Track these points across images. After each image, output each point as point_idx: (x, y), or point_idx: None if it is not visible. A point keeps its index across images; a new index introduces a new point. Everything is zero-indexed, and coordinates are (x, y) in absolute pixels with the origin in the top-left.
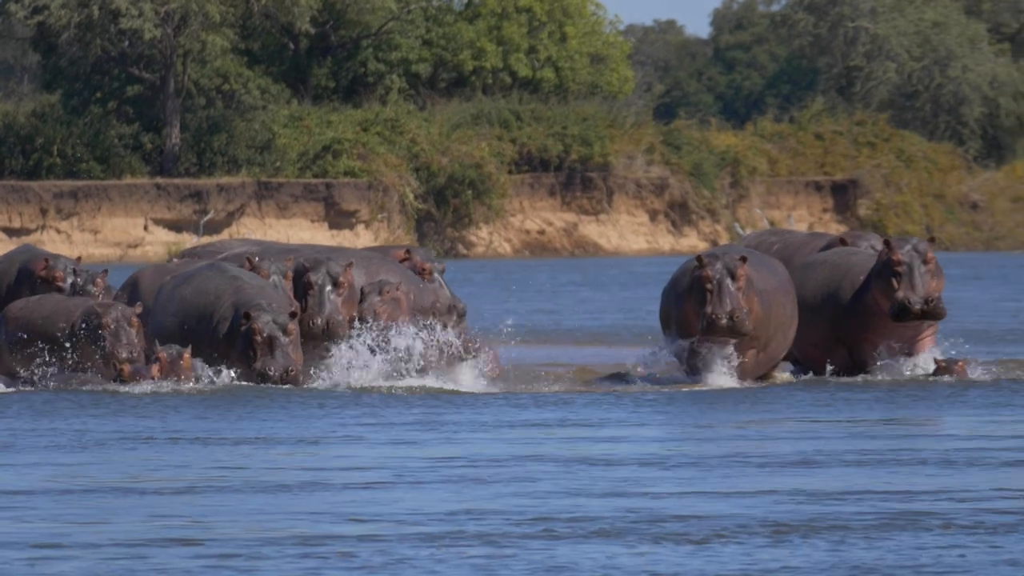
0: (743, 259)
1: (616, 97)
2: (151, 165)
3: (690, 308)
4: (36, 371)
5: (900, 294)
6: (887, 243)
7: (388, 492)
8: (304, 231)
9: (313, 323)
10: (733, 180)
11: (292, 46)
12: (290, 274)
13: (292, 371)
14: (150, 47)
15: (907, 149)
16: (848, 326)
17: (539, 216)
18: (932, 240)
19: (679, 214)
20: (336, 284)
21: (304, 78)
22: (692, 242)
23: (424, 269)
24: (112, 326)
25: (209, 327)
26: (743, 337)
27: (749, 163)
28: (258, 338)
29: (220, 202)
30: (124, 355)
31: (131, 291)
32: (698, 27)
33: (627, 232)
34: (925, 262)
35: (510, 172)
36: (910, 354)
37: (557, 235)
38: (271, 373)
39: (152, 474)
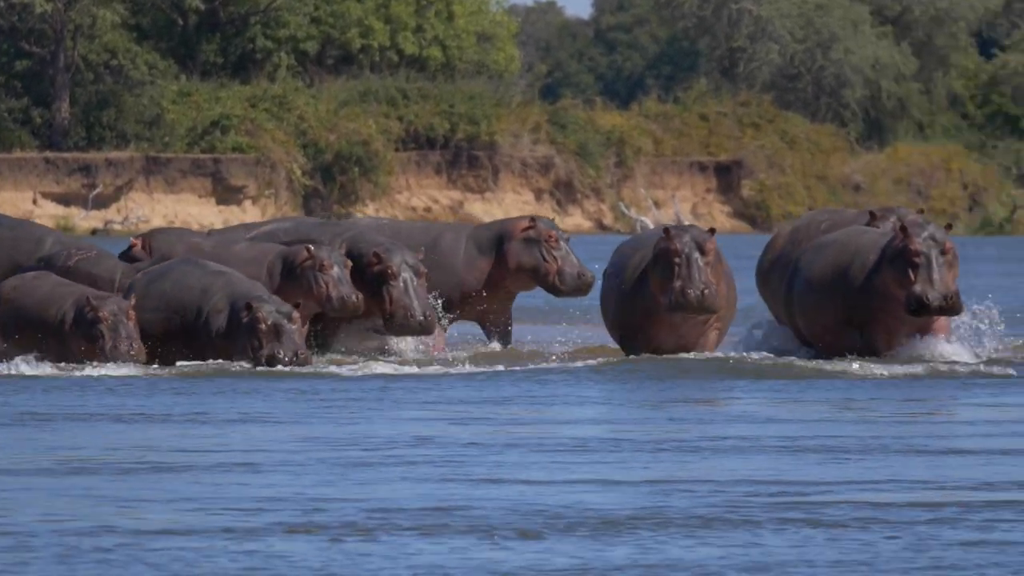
0: (711, 231)
1: (502, 76)
2: (40, 139)
3: (655, 283)
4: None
5: (918, 288)
6: (903, 229)
7: (235, 476)
8: (192, 206)
9: (411, 316)
10: (618, 160)
11: (181, 22)
12: (348, 263)
13: (302, 354)
14: (40, 21)
15: (791, 130)
16: (859, 309)
17: (425, 193)
18: (949, 227)
19: (564, 193)
20: (417, 273)
21: (193, 54)
22: (577, 221)
23: (550, 237)
24: (110, 320)
25: (198, 321)
26: (711, 315)
27: (634, 143)
28: (263, 326)
29: (109, 176)
30: (124, 349)
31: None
32: (579, 8)
33: (512, 210)
34: (943, 252)
35: (397, 150)
36: (923, 338)
37: (443, 212)
38: (281, 356)
39: None
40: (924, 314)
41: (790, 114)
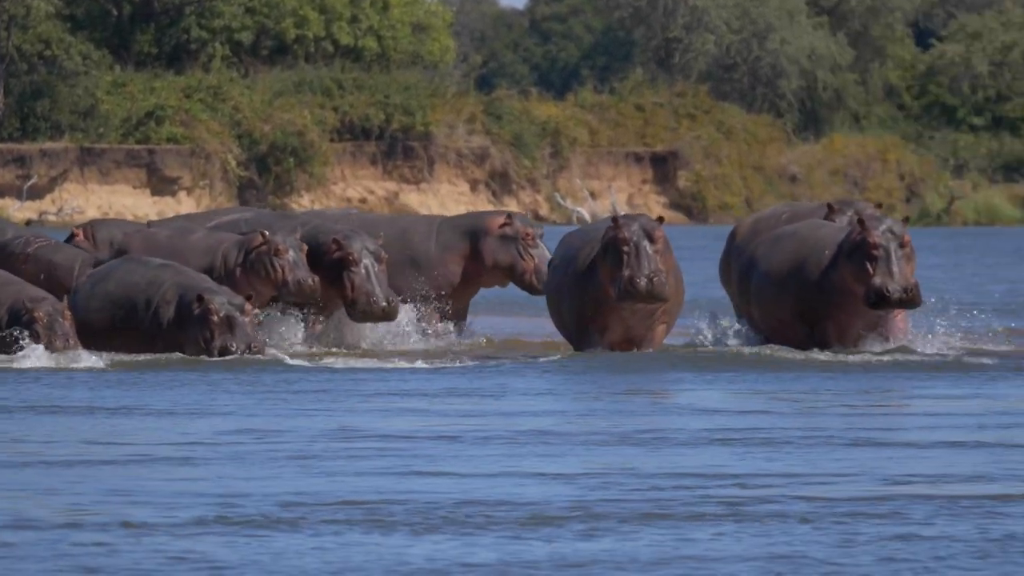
0: (660, 219)
1: (437, 67)
2: None
3: (604, 271)
4: None
5: (877, 281)
6: (861, 222)
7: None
8: (126, 197)
9: (374, 302)
10: (554, 151)
11: (115, 12)
12: (304, 247)
13: (255, 346)
14: None
15: (727, 121)
16: (812, 304)
17: (360, 184)
18: (907, 220)
19: (500, 184)
20: (378, 259)
21: (127, 44)
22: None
23: (527, 235)
24: (45, 320)
25: (145, 315)
26: (661, 303)
27: (570, 134)
28: (215, 318)
29: (43, 167)
30: (60, 348)
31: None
32: None
33: (448, 201)
34: (901, 245)
35: (332, 140)
36: (883, 335)
37: (378, 204)
38: (234, 348)
39: None
40: (884, 307)
41: (726, 105)
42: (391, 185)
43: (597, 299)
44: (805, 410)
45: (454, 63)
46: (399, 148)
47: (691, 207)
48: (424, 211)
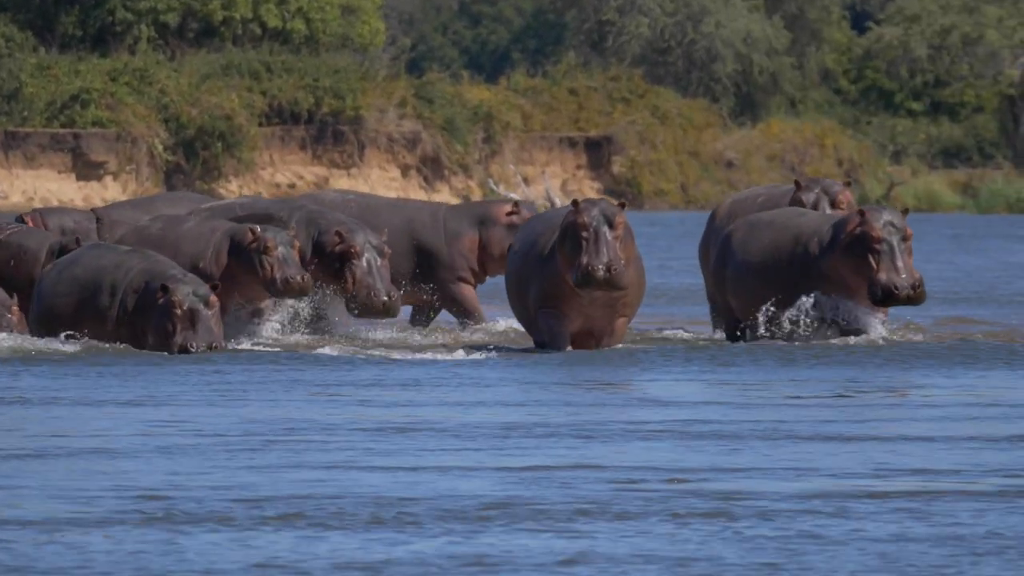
0: (622, 204)
1: (367, 50)
2: None
3: (563, 257)
4: None
5: (884, 276)
6: (862, 213)
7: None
8: (51, 182)
9: (375, 297)
10: (486, 135)
11: None
12: (296, 243)
13: (215, 346)
14: None
15: (662, 106)
16: (800, 292)
17: (289, 169)
18: (906, 211)
19: (431, 169)
20: (381, 254)
21: (51, 26)
22: (444, 197)
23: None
24: None
25: (111, 301)
26: (619, 291)
27: (502, 118)
28: (178, 311)
29: None
30: None
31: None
32: None
33: (378, 186)
34: (904, 239)
35: (260, 124)
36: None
37: (308, 189)
38: (193, 349)
39: None
40: (891, 304)
41: (661, 89)
42: (320, 170)
43: (556, 286)
44: (755, 402)
45: (383, 46)
46: (329, 132)
47: (626, 193)
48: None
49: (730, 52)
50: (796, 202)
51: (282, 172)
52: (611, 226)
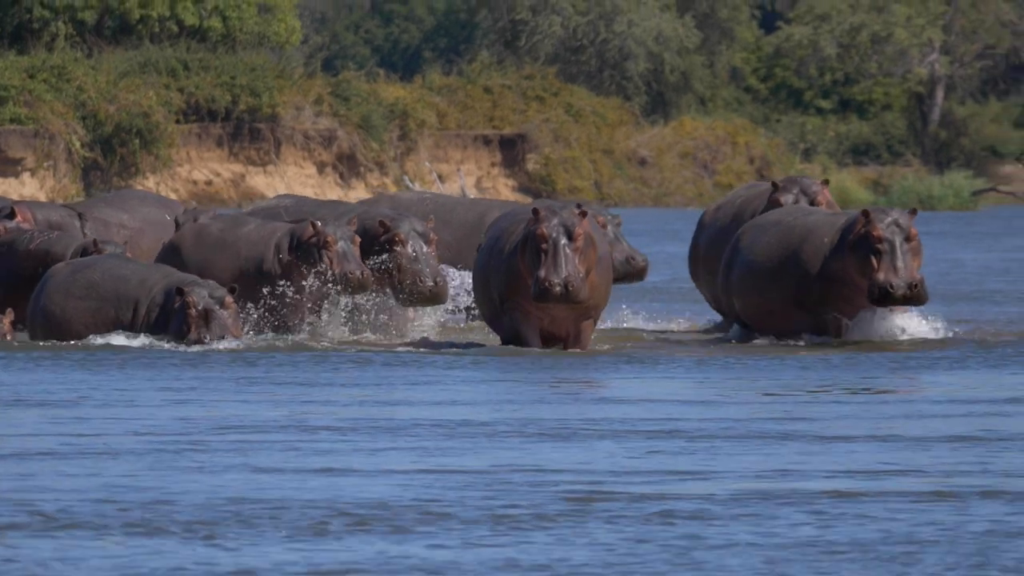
0: (583, 214)
1: (283, 48)
2: None
3: (524, 265)
4: None
5: (881, 276)
6: (866, 214)
7: None
8: None
9: (422, 282)
10: (402, 133)
11: None
12: (357, 239)
13: (231, 339)
14: None
15: (576, 104)
16: (812, 292)
17: (206, 166)
18: (914, 213)
19: (347, 166)
20: (427, 241)
21: None
22: (360, 194)
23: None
24: None
25: (137, 314)
26: (577, 305)
27: (418, 116)
28: (192, 311)
29: None
30: None
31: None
32: None
33: (295, 183)
34: (907, 239)
35: (178, 122)
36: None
37: (224, 186)
38: (207, 341)
39: None
40: (888, 303)
41: (575, 87)
42: (237, 167)
43: (519, 286)
44: (716, 400)
45: (298, 45)
46: (245, 130)
47: (540, 190)
48: (271, 193)
49: (642, 51)
50: (775, 203)
51: (199, 169)
52: (570, 237)
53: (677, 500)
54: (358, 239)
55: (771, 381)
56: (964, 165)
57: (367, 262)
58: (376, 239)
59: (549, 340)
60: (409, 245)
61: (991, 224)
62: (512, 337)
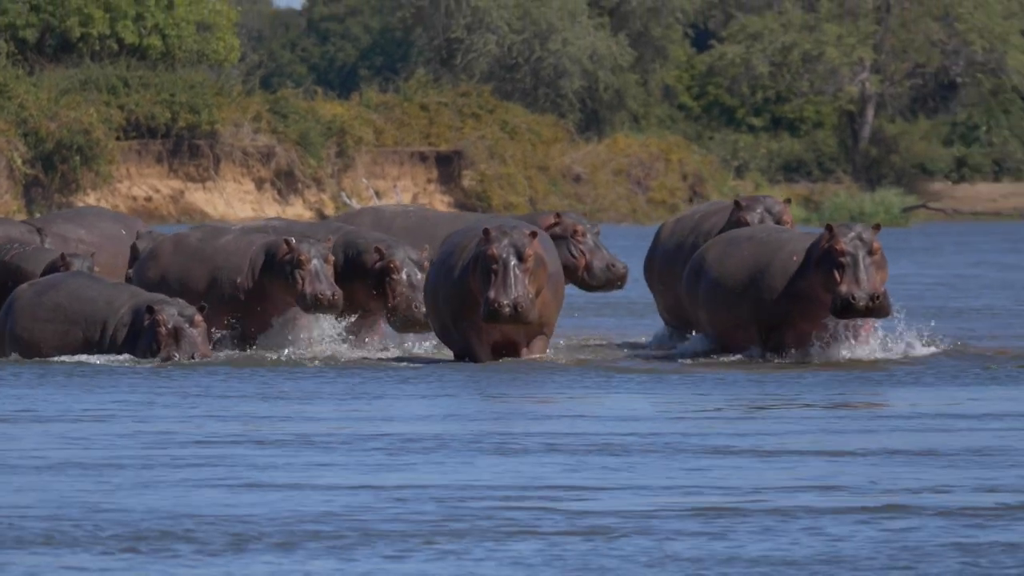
0: (533, 234)
1: (222, 65)
2: None
3: (474, 285)
4: None
5: (843, 288)
6: (829, 229)
7: None
8: None
9: (416, 309)
10: (339, 150)
11: None
12: (331, 257)
13: (200, 358)
14: None
15: (511, 121)
16: (775, 309)
17: (146, 183)
18: (878, 227)
19: (285, 183)
20: (420, 268)
21: None
22: (298, 211)
23: (576, 231)
24: None
25: (104, 334)
26: (527, 325)
27: (355, 133)
28: (162, 329)
29: None
30: None
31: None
32: None
33: (233, 200)
34: (871, 253)
35: (118, 138)
36: (853, 337)
37: (164, 202)
38: (177, 359)
39: None
40: (850, 315)
41: (510, 104)
42: (177, 183)
43: (470, 307)
44: (673, 417)
45: (235, 62)
46: (185, 147)
47: (476, 207)
48: (210, 209)
49: (576, 69)
50: (739, 222)
51: (139, 185)
52: (520, 259)
53: (600, 516)
54: (332, 258)
55: (722, 396)
56: (895, 182)
57: (360, 283)
58: (371, 265)
59: (502, 350)
60: (404, 272)
61: (922, 240)
62: (464, 351)
